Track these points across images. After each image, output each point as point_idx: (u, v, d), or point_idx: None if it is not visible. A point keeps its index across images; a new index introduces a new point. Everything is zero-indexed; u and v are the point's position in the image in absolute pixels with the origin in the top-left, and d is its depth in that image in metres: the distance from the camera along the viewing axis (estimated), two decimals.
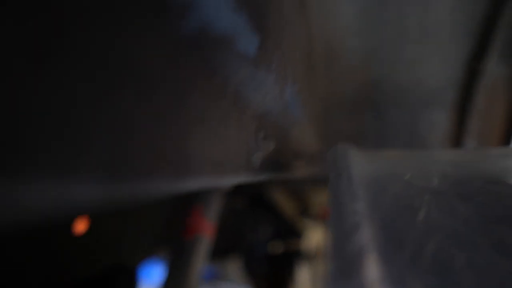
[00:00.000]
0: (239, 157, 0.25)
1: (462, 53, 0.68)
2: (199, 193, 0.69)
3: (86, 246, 0.53)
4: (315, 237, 1.18)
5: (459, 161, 0.32)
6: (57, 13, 0.10)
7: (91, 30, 0.11)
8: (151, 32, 0.14)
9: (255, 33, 0.21)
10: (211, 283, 1.04)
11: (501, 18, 0.62)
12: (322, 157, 0.74)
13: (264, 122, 0.31)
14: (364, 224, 0.19)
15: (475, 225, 0.20)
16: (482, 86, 0.70)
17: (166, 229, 0.75)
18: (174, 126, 0.16)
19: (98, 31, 0.12)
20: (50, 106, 0.10)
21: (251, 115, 0.28)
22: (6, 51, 0.09)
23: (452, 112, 0.76)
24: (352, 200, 0.20)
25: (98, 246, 0.57)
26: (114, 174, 0.12)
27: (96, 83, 0.11)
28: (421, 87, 0.74)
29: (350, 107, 0.78)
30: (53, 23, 0.10)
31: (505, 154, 0.34)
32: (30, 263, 0.45)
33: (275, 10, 0.24)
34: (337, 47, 0.68)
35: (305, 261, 1.13)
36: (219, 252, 0.99)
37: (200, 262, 0.64)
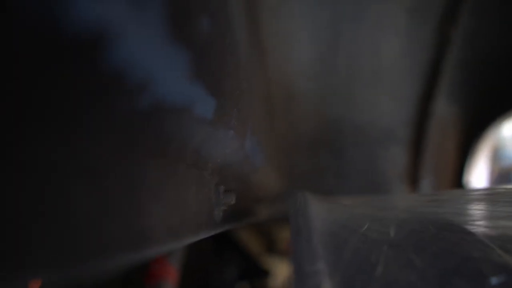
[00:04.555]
0: (200, 216, 0.25)
1: (412, 94, 0.72)
2: None
3: None
4: (281, 274, 1.17)
5: (415, 207, 0.33)
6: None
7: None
8: (104, 109, 0.15)
9: (213, 98, 0.21)
10: None
11: (445, 62, 0.66)
12: (283, 197, 0.74)
13: (225, 175, 0.31)
14: (324, 285, 0.19)
15: (431, 278, 0.21)
16: (433, 124, 0.74)
17: (128, 278, 0.72)
18: (126, 203, 0.16)
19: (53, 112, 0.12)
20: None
21: (212, 170, 0.28)
22: None
23: (408, 149, 0.79)
24: (311, 260, 0.20)
25: None
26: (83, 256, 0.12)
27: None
28: (376, 126, 0.77)
29: (309, 147, 0.80)
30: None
31: (458, 197, 0.35)
32: None
33: (232, 72, 0.25)
34: (295, 91, 0.70)
35: None
36: None
37: None
